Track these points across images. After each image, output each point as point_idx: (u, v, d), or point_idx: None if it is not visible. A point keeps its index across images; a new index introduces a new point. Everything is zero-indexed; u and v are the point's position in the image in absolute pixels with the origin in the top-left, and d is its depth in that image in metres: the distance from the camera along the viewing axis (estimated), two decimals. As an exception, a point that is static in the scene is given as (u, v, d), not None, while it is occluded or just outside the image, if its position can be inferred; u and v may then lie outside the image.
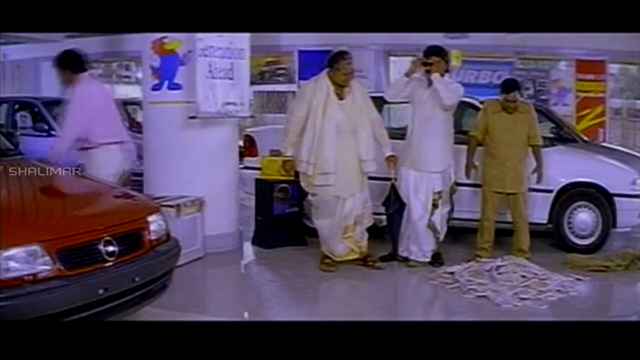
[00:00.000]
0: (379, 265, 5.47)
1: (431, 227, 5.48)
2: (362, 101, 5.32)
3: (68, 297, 3.10)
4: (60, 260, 3.11)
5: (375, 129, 5.34)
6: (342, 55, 5.27)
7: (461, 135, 6.14)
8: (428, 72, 5.40)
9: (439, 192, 5.46)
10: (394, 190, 5.46)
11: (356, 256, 5.43)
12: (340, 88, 5.25)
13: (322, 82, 5.26)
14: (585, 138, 8.30)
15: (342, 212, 5.28)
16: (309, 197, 5.49)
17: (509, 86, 5.65)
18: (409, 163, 5.44)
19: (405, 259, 5.55)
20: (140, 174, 6.41)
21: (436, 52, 5.44)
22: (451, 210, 5.64)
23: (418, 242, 5.49)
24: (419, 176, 5.44)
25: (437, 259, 5.55)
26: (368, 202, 5.46)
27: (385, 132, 5.45)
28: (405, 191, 5.46)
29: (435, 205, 5.45)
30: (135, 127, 9.75)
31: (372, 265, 5.45)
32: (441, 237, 5.59)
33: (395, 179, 5.50)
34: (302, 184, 5.43)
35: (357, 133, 5.25)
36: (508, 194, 5.63)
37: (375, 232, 5.79)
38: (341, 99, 5.25)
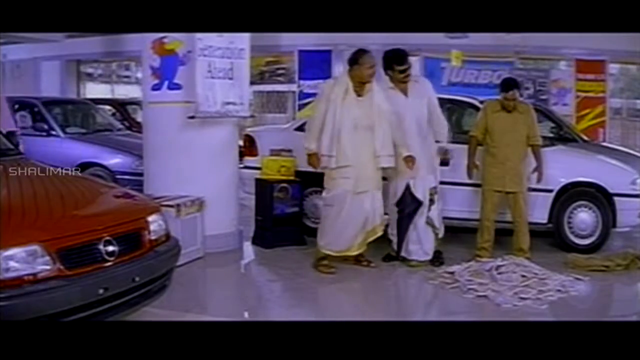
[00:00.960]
0: (373, 265, 5.49)
1: (430, 223, 5.52)
2: (380, 102, 5.31)
3: (68, 297, 3.10)
4: (60, 260, 3.11)
5: (392, 129, 5.33)
6: (364, 51, 5.30)
7: (462, 135, 6.16)
8: (406, 77, 5.46)
9: (434, 188, 5.52)
10: (408, 191, 5.45)
11: (354, 253, 5.43)
12: (361, 86, 5.25)
13: (342, 79, 5.31)
14: (585, 138, 8.31)
15: (362, 211, 5.27)
16: (323, 193, 5.41)
17: (508, 85, 5.67)
18: (404, 169, 5.43)
19: (404, 259, 5.55)
20: (141, 174, 6.43)
21: (407, 55, 5.51)
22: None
23: (419, 241, 5.51)
24: (413, 181, 5.44)
25: (437, 258, 5.57)
26: (381, 203, 5.44)
27: (403, 134, 5.40)
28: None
29: (431, 201, 5.50)
30: (135, 127, 9.81)
31: (367, 265, 5.47)
32: (440, 234, 5.63)
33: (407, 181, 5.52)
34: (326, 179, 5.35)
35: (374, 130, 5.25)
36: (508, 193, 5.63)
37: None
38: (359, 96, 5.27)
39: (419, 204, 5.45)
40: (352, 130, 5.20)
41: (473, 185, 5.92)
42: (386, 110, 5.30)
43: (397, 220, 5.54)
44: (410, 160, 5.33)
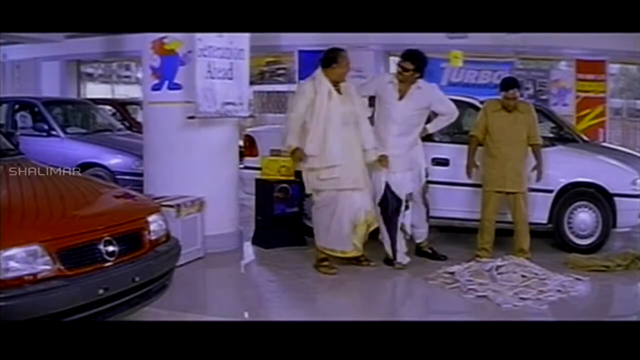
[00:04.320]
0: (373, 264, 5.49)
1: (401, 228, 5.49)
2: (356, 96, 5.38)
3: (68, 297, 3.10)
4: (61, 260, 3.11)
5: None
6: (340, 51, 5.30)
7: (462, 135, 6.16)
8: (404, 76, 5.42)
9: (410, 194, 5.50)
10: (389, 189, 5.44)
11: (357, 254, 5.42)
12: (337, 84, 5.26)
13: (322, 80, 5.26)
14: (586, 138, 8.32)
15: (353, 207, 5.25)
16: (313, 196, 5.38)
17: (508, 84, 5.67)
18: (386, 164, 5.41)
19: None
20: (141, 174, 6.43)
21: (413, 58, 5.46)
22: (427, 210, 5.70)
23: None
24: (393, 177, 5.42)
25: (434, 254, 5.68)
26: (369, 200, 5.41)
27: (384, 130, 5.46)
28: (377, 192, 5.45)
29: (407, 207, 5.47)
30: (135, 127, 9.81)
31: (367, 265, 5.47)
32: (423, 236, 5.74)
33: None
34: (308, 180, 5.31)
35: (359, 125, 5.28)
36: (508, 193, 5.63)
37: (374, 232, 5.78)
38: (340, 93, 5.27)
39: (399, 202, 5.43)
40: (341, 128, 5.19)
41: (473, 186, 5.92)
42: (362, 103, 5.38)
43: (382, 221, 5.49)
44: (383, 159, 5.35)
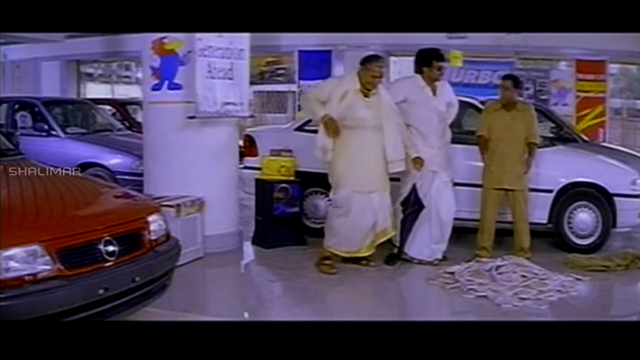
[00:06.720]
0: (372, 264, 5.48)
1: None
2: (388, 104, 5.33)
3: (68, 297, 3.09)
4: (61, 260, 3.11)
5: (402, 132, 5.36)
6: (376, 57, 5.32)
7: (462, 135, 6.18)
8: (441, 74, 5.62)
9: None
10: (415, 191, 5.44)
11: (364, 254, 5.42)
12: (366, 90, 5.25)
13: (350, 78, 5.30)
14: (585, 138, 8.33)
15: (372, 210, 5.24)
16: (331, 194, 5.38)
17: (505, 76, 5.87)
18: (435, 165, 5.49)
19: (419, 261, 5.56)
20: (141, 174, 6.44)
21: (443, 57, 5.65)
22: None
23: (444, 239, 5.60)
24: (440, 175, 5.52)
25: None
26: (390, 203, 5.42)
27: (409, 136, 5.45)
28: (425, 192, 5.47)
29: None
30: (135, 127, 9.81)
31: (367, 264, 5.46)
32: None
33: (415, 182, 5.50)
34: (330, 178, 5.34)
35: (383, 131, 5.23)
36: (507, 190, 5.63)
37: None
38: (366, 97, 5.26)
39: (420, 206, 5.44)
40: (360, 131, 5.17)
41: (473, 185, 5.92)
42: (394, 111, 5.34)
43: (401, 220, 5.51)
44: (418, 161, 5.36)
